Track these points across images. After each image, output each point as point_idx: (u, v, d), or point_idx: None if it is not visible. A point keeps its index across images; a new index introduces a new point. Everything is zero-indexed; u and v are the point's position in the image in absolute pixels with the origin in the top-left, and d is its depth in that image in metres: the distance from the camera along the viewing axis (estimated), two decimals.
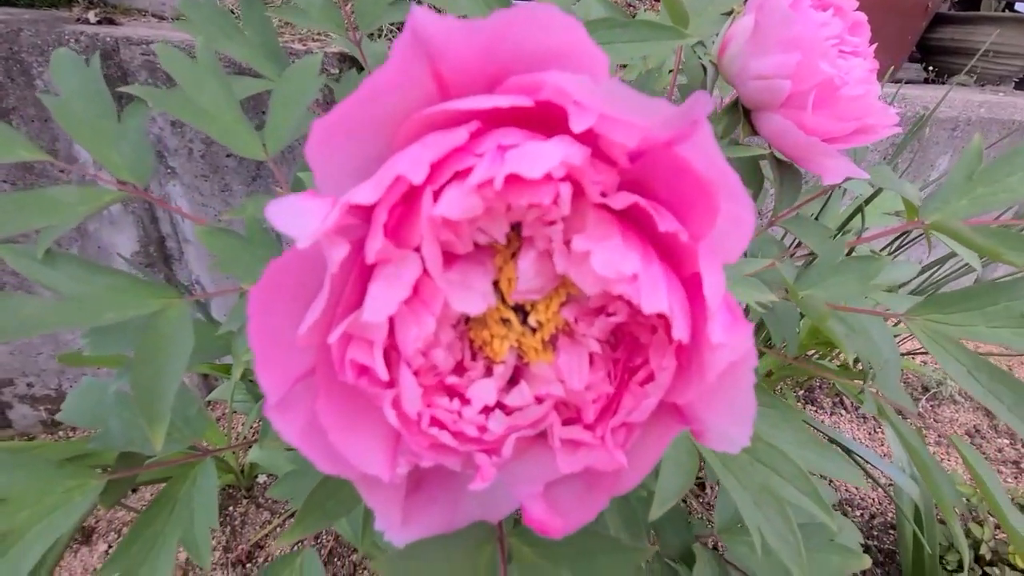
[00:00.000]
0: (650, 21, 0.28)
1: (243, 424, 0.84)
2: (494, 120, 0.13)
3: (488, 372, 0.16)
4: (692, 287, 0.15)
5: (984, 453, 0.91)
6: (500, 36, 0.13)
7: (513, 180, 0.12)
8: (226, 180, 0.77)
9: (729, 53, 0.33)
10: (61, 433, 0.87)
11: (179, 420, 0.34)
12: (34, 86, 0.66)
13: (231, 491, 0.78)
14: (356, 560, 0.72)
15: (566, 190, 0.13)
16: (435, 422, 0.15)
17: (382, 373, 0.14)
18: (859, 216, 0.55)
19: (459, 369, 0.16)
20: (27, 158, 0.29)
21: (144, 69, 0.69)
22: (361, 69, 0.55)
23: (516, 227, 0.15)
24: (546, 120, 0.13)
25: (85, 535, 0.68)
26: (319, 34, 0.87)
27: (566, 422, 0.16)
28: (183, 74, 0.33)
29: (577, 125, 0.12)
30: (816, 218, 0.56)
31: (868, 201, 0.47)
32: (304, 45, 0.80)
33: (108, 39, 0.68)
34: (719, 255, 0.15)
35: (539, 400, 0.16)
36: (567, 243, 0.14)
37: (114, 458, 0.32)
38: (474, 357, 0.16)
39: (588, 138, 0.13)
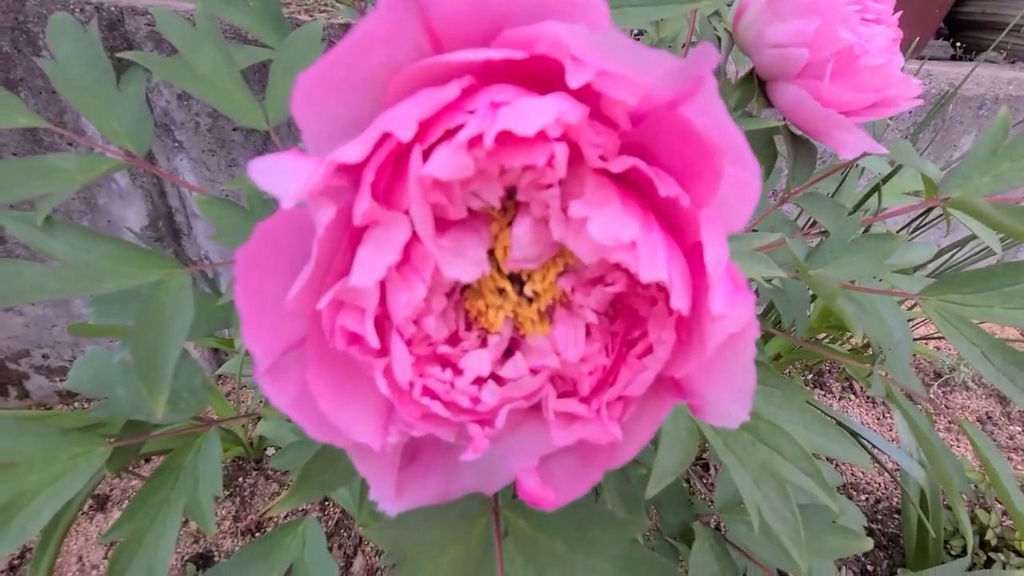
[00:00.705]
0: None
1: (251, 398, 0.85)
2: (488, 75, 0.12)
3: (483, 343, 0.16)
4: (694, 256, 0.14)
5: (995, 440, 0.90)
6: None
7: (505, 138, 0.11)
8: (232, 155, 0.76)
9: (745, 20, 0.32)
10: (77, 404, 0.89)
11: (184, 391, 0.34)
12: (41, 57, 0.66)
13: (241, 463, 0.80)
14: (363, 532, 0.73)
15: (562, 151, 0.12)
16: (427, 392, 0.15)
17: (373, 341, 0.13)
18: (876, 195, 0.54)
19: (453, 339, 0.16)
20: (26, 124, 0.28)
21: (149, 40, 0.68)
22: None
23: (512, 193, 0.14)
24: (543, 76, 0.13)
25: (100, 503, 0.69)
26: (325, 5, 0.85)
27: (562, 395, 0.16)
28: (183, 41, 0.33)
29: (574, 80, 0.11)
30: (832, 196, 0.55)
31: (886, 180, 0.46)
32: (310, 16, 0.79)
33: (113, 8, 0.67)
34: (723, 223, 0.14)
35: (534, 372, 0.15)
36: (564, 209, 0.14)
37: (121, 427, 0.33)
38: (469, 327, 0.16)
39: (586, 96, 0.12)
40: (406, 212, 0.12)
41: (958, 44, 1.33)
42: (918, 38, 1.26)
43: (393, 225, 0.12)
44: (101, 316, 0.33)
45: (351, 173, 0.12)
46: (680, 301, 0.13)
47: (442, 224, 0.14)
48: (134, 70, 0.31)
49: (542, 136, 0.12)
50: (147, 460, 0.77)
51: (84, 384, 0.33)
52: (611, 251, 0.13)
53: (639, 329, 0.16)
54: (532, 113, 0.11)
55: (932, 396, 0.97)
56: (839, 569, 0.67)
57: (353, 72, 0.13)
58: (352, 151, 0.11)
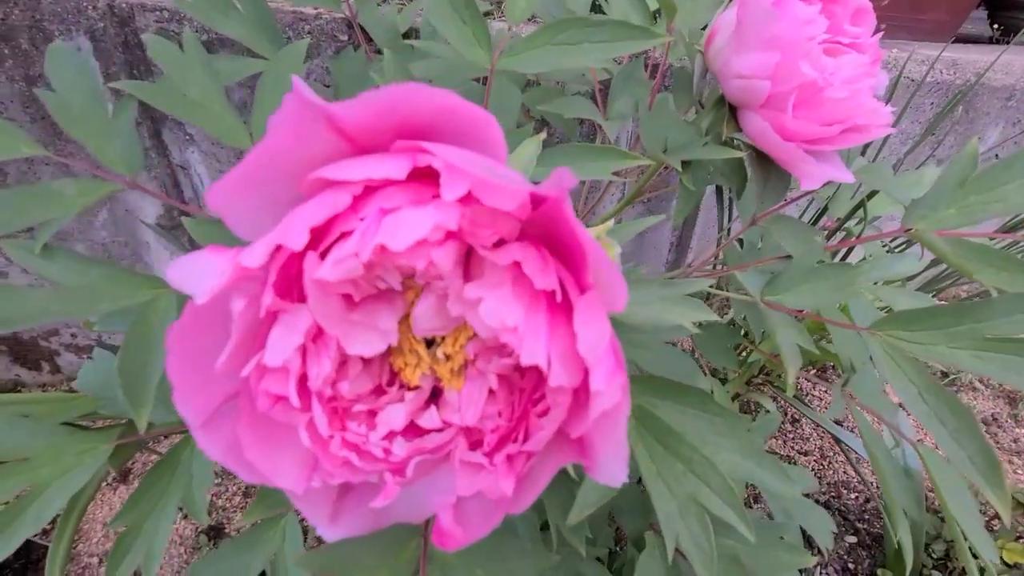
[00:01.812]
0: (622, 21, 0.27)
1: None
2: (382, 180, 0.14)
3: (402, 397, 0.17)
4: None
5: (999, 443, 0.89)
6: (386, 107, 0.13)
7: (383, 249, 0.12)
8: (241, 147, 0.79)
9: (714, 46, 0.32)
10: None
11: None
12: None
13: None
14: None
15: (441, 254, 0.13)
16: (346, 444, 0.16)
17: (295, 401, 0.15)
18: (874, 203, 0.53)
19: (378, 391, 0.18)
20: (28, 154, 0.31)
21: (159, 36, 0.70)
22: (369, 41, 0.55)
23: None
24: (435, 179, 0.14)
25: (123, 475, 0.75)
26: None
27: (472, 445, 0.17)
28: (173, 65, 0.34)
29: (448, 195, 0.13)
30: (825, 208, 0.55)
31: (871, 196, 0.45)
32: (315, 9, 0.79)
33: (124, 5, 0.69)
34: (605, 304, 0.15)
35: (447, 424, 0.17)
36: (462, 288, 0.15)
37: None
38: (391, 381, 0.18)
39: (471, 198, 0.14)
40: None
41: (995, 26, 1.26)
42: (956, 22, 1.20)
43: (298, 312, 0.14)
44: (104, 325, 0.36)
45: (261, 269, 0.14)
46: (559, 379, 0.15)
47: (354, 301, 0.15)
48: (126, 99, 0.33)
49: (421, 243, 0.13)
50: (166, 436, 0.82)
51: (90, 386, 0.36)
52: (499, 332, 0.15)
53: (541, 389, 0.17)
54: (407, 228, 0.12)
55: None
56: (822, 566, 0.69)
57: (269, 172, 0.14)
58: (252, 257, 0.13)
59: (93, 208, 0.77)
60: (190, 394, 0.15)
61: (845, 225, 0.56)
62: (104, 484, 0.75)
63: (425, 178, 0.14)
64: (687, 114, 0.37)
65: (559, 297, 0.14)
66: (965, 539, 0.33)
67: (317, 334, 0.15)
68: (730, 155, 0.32)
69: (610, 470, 0.16)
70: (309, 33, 0.69)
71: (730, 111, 0.34)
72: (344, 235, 0.13)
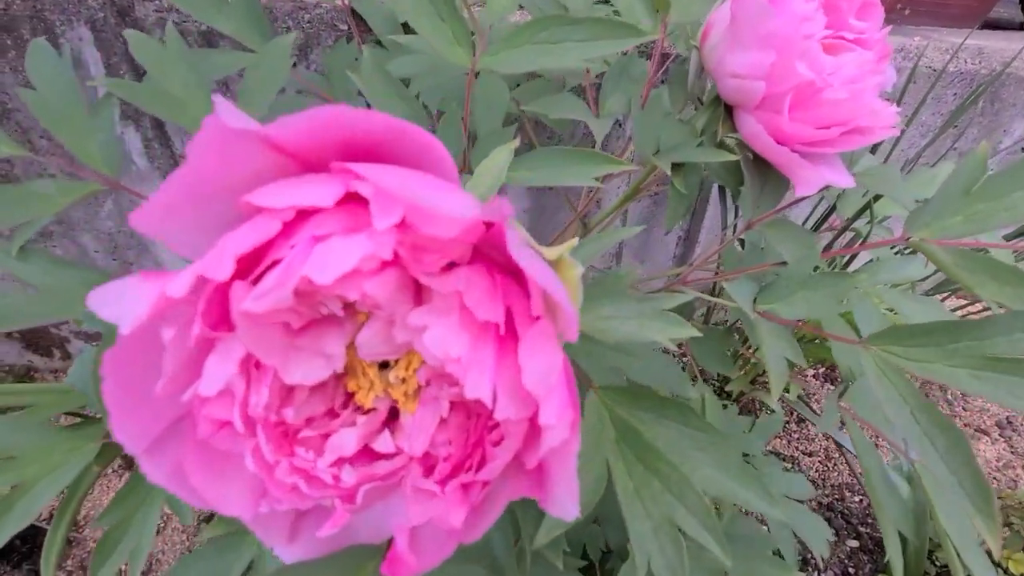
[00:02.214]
0: (604, 18, 0.26)
1: None
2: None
3: (354, 422, 0.17)
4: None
5: (1012, 447, 0.86)
6: (319, 129, 0.12)
7: (310, 282, 0.12)
8: None
9: (709, 42, 0.30)
10: None
11: None
12: (59, 44, 0.68)
13: None
14: None
15: (375, 285, 0.13)
16: (294, 470, 0.16)
17: (239, 427, 0.15)
18: (885, 202, 0.51)
19: (331, 413, 0.17)
20: (9, 154, 0.31)
21: (158, 27, 0.69)
22: (369, 30, 0.54)
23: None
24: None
25: (128, 462, 0.76)
26: None
27: (427, 472, 0.17)
28: (155, 63, 0.34)
29: (380, 224, 0.12)
30: (834, 206, 0.53)
31: (876, 198, 0.43)
32: None
33: None
34: (559, 332, 0.14)
35: (399, 451, 0.17)
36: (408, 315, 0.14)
37: None
38: (346, 404, 0.17)
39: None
40: None
41: None
42: (985, 7, 1.15)
43: (231, 341, 0.13)
44: (91, 324, 0.36)
45: (189, 296, 0.13)
46: (505, 413, 0.14)
47: (294, 328, 0.15)
48: (106, 98, 0.32)
49: (352, 274, 0.12)
50: None
51: (78, 383, 0.37)
52: (444, 362, 0.14)
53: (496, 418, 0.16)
54: (336, 258, 0.12)
55: (950, 398, 0.93)
56: (823, 570, 0.68)
57: (199, 194, 0.13)
58: (176, 287, 0.12)
59: (78, 205, 0.78)
60: (128, 420, 0.15)
61: (853, 225, 0.55)
62: (111, 471, 0.76)
63: (364, 201, 0.13)
64: (683, 112, 0.35)
65: (502, 330, 0.13)
66: (959, 558, 0.31)
67: (254, 362, 0.14)
68: (723, 159, 0.30)
69: (563, 504, 0.15)
70: (309, 23, 0.68)
71: (726, 110, 0.32)
72: (275, 263, 0.13)
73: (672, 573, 0.22)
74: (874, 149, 0.67)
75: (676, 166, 0.32)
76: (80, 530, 0.69)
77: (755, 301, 0.32)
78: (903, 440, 0.25)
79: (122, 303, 0.13)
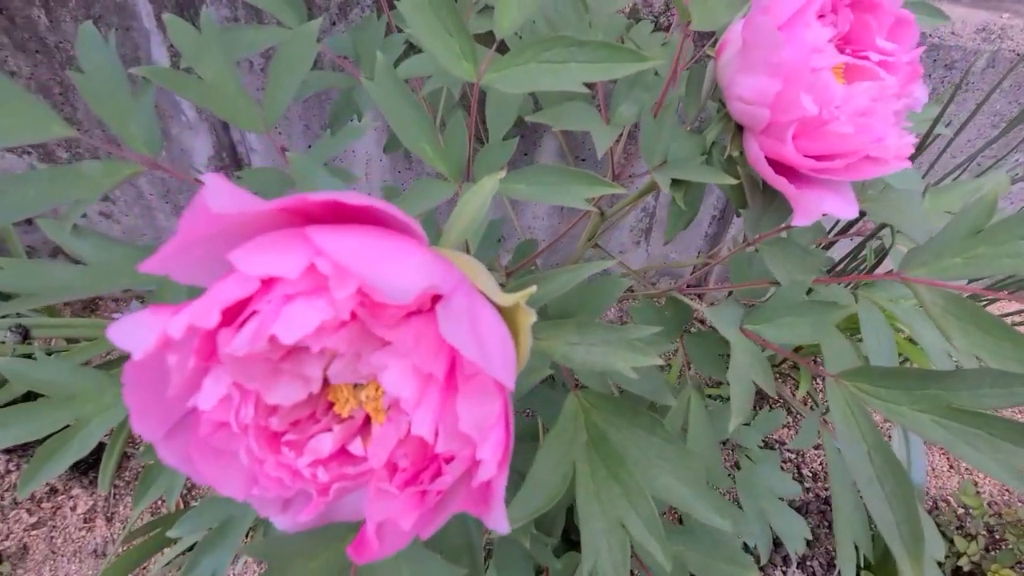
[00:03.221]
0: (608, 43, 0.26)
1: None
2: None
3: (331, 428, 0.20)
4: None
5: None
6: (298, 208, 0.14)
7: (275, 339, 0.14)
8: None
9: (724, 58, 0.30)
10: None
11: None
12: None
13: None
14: None
15: (336, 340, 0.15)
16: (280, 465, 0.19)
17: (235, 429, 0.18)
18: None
19: (312, 419, 0.20)
20: (60, 135, 0.34)
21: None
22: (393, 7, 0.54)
23: None
24: None
25: None
26: None
27: (391, 476, 0.20)
28: (190, 48, 0.36)
29: (338, 294, 0.14)
30: (862, 213, 0.51)
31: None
32: None
33: None
34: (501, 375, 0.16)
35: (367, 457, 0.19)
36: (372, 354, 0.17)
37: None
38: (327, 411, 0.20)
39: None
40: None
41: None
42: None
43: (221, 370, 0.16)
44: (143, 284, 0.40)
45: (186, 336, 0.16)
46: (445, 448, 0.16)
47: (280, 356, 0.17)
48: (145, 83, 0.35)
49: (316, 332, 0.14)
50: None
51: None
52: (399, 399, 0.16)
53: None
54: (297, 321, 0.14)
55: None
56: (809, 559, 0.70)
57: (196, 249, 0.16)
58: (174, 329, 0.15)
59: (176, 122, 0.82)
60: (144, 418, 0.18)
61: (881, 234, 0.53)
62: None
63: None
64: (695, 123, 0.35)
65: (441, 384, 0.16)
66: None
67: (236, 387, 0.17)
68: (723, 181, 0.30)
69: (496, 521, 0.18)
70: None
71: (737, 127, 0.32)
72: (254, 313, 0.15)
73: (616, 572, 0.25)
74: (927, 137, 0.64)
75: (678, 180, 0.32)
76: (137, 445, 0.79)
77: (743, 320, 0.33)
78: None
79: (135, 335, 0.15)
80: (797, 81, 0.26)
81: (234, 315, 0.15)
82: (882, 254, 0.45)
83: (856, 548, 0.32)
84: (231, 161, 0.90)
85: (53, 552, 0.69)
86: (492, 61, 0.27)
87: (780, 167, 0.30)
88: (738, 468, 0.59)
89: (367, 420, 0.20)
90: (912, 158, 0.57)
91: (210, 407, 0.16)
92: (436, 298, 0.16)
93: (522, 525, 0.30)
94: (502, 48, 0.27)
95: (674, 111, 0.33)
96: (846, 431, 0.27)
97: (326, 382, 0.19)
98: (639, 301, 0.39)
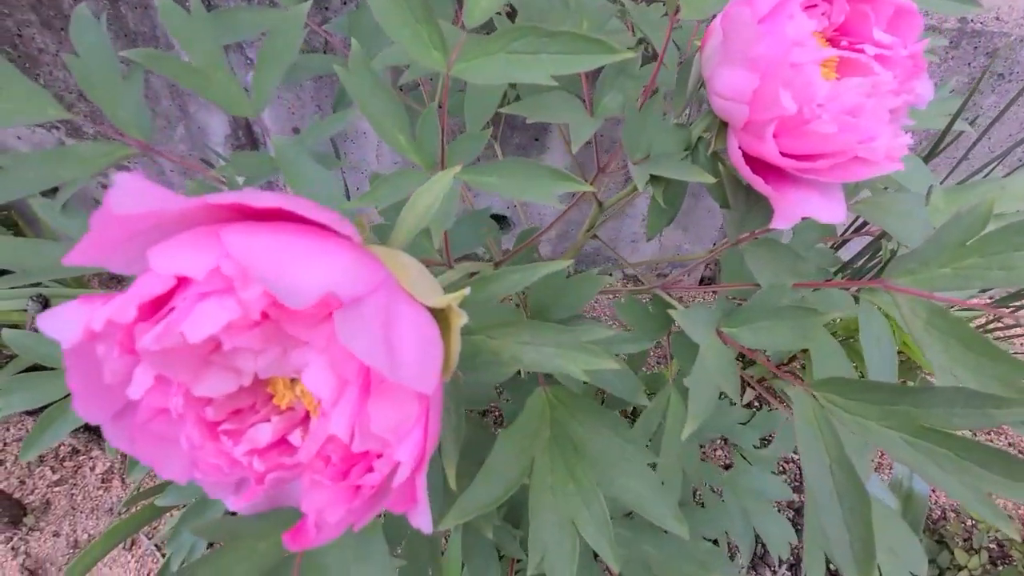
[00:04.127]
0: (580, 33, 0.25)
1: None
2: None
3: (268, 418, 0.20)
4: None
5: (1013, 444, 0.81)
6: (225, 206, 0.14)
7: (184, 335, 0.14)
8: None
9: (707, 50, 0.29)
10: None
11: None
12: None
13: None
14: None
15: (249, 339, 0.15)
16: (218, 453, 0.20)
17: (175, 414, 0.19)
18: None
19: (252, 409, 0.20)
20: (55, 117, 0.35)
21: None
22: None
23: None
24: None
25: None
26: None
27: (322, 470, 0.20)
28: (181, 32, 0.36)
29: (244, 296, 0.14)
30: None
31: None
32: None
33: None
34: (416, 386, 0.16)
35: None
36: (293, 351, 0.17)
37: None
38: (266, 402, 0.21)
39: None
40: None
41: None
42: None
43: (146, 362, 0.16)
44: None
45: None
46: (362, 447, 0.16)
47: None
48: (135, 68, 0.35)
49: (226, 328, 0.15)
50: None
51: None
52: (319, 398, 0.16)
53: None
54: (205, 320, 0.14)
55: None
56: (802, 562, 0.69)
57: (117, 242, 0.16)
58: (96, 322, 0.15)
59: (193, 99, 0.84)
60: (88, 402, 0.18)
61: None
62: None
63: None
64: (682, 115, 0.34)
65: (358, 385, 0.16)
66: None
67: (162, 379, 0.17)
68: (701, 179, 0.29)
69: (419, 520, 0.18)
70: None
71: (722, 122, 0.31)
72: (171, 310, 0.15)
73: (563, 566, 0.25)
74: (947, 132, 0.60)
75: (658, 176, 0.31)
76: None
77: (719, 322, 0.32)
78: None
79: (65, 325, 0.16)
80: (776, 77, 0.25)
81: (156, 309, 0.16)
82: (894, 252, 0.43)
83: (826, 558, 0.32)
84: (247, 139, 0.91)
85: (73, 508, 0.74)
86: (462, 50, 0.27)
87: (763, 165, 0.28)
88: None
89: (308, 412, 0.21)
90: (930, 154, 0.54)
91: (139, 396, 0.17)
92: (355, 300, 0.16)
93: (485, 515, 0.31)
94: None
95: (660, 103, 0.32)
96: (810, 443, 0.26)
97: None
98: (624, 298, 0.39)
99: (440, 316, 0.19)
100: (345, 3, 0.71)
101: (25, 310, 0.63)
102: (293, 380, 0.19)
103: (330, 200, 0.34)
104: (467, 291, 0.18)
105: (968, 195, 0.45)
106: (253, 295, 0.14)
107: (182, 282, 0.15)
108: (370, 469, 0.19)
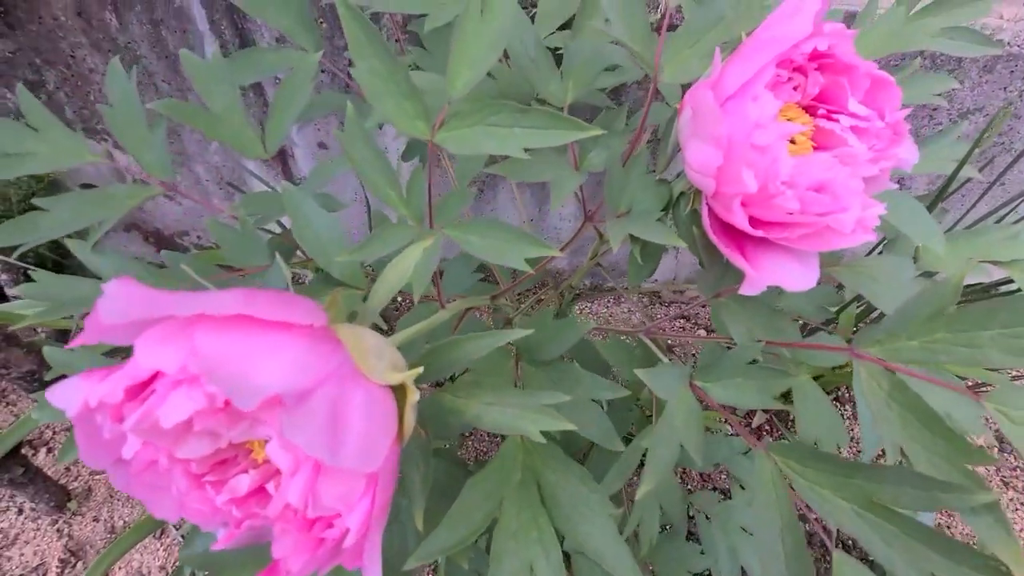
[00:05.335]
0: (550, 111, 0.27)
1: None
2: None
3: (248, 469, 0.23)
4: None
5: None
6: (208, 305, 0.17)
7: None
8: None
9: (682, 118, 0.29)
10: None
11: None
12: (172, 1, 0.77)
13: None
14: None
15: (215, 421, 0.17)
16: (202, 500, 0.22)
17: (164, 467, 0.21)
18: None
19: (232, 462, 0.23)
20: (92, 160, 0.38)
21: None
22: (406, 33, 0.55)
23: None
24: None
25: None
26: None
27: (290, 522, 0.22)
28: (201, 79, 0.39)
29: (209, 388, 0.16)
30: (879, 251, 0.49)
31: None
32: None
33: None
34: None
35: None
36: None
37: None
38: (248, 455, 0.23)
39: None
40: None
41: None
42: None
43: None
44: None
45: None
46: (315, 514, 0.19)
47: None
48: (159, 117, 0.38)
49: (194, 415, 0.17)
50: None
51: None
52: (279, 467, 0.19)
53: None
54: (174, 409, 0.16)
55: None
56: None
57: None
58: (92, 398, 0.18)
59: (192, 141, 0.89)
60: (92, 455, 0.21)
61: None
62: None
63: None
64: (666, 170, 0.35)
65: (308, 464, 0.18)
66: None
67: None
68: (676, 243, 0.30)
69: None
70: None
71: None
72: (152, 393, 0.18)
73: None
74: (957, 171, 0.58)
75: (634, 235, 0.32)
76: None
77: (692, 375, 0.33)
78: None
79: (69, 397, 0.19)
80: (739, 157, 0.25)
81: (140, 390, 0.18)
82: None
83: None
84: (276, 155, 0.96)
85: (111, 496, 0.80)
86: (445, 120, 0.29)
87: (736, 230, 0.29)
88: (728, 497, 0.59)
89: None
90: (935, 200, 0.53)
91: (131, 456, 0.19)
92: (302, 394, 0.18)
93: (462, 550, 0.32)
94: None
95: (644, 160, 0.33)
96: (764, 504, 0.27)
97: None
98: (610, 338, 0.40)
99: (397, 390, 0.21)
100: None
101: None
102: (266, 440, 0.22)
103: (331, 243, 0.36)
104: (420, 370, 0.20)
105: (975, 243, 0.44)
106: (216, 389, 0.16)
107: (160, 371, 0.18)
108: (330, 525, 0.21)
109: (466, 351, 0.24)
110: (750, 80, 0.25)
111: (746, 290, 0.29)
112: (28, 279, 0.37)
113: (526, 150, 0.28)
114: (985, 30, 0.68)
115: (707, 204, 0.29)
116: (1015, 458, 0.84)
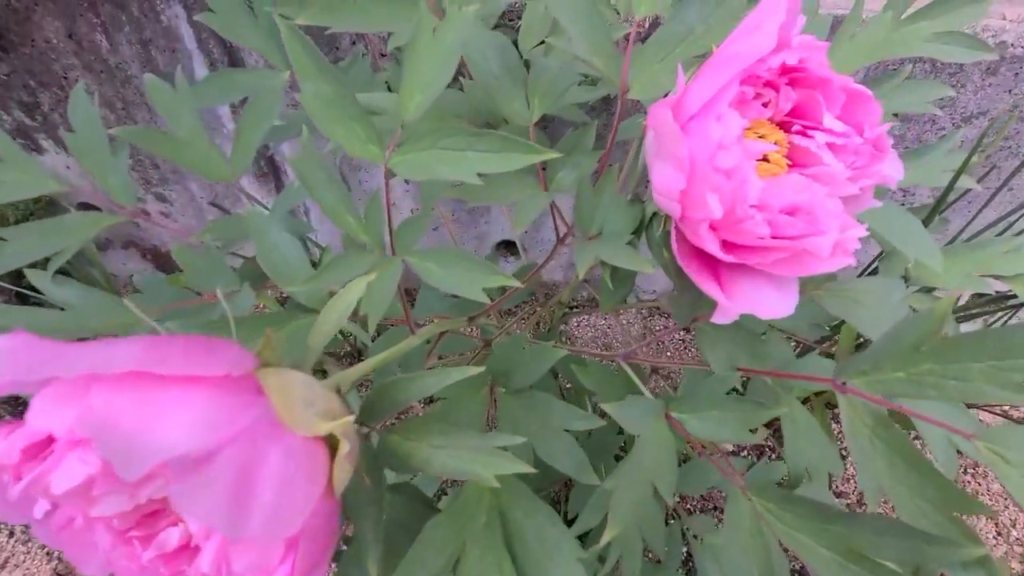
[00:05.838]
0: (505, 136, 0.25)
1: None
2: None
3: (177, 522, 0.21)
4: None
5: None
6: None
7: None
8: None
9: (647, 138, 0.28)
10: None
11: None
12: (160, 19, 0.77)
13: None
14: None
15: (112, 484, 0.16)
16: (129, 556, 0.21)
17: (80, 525, 0.20)
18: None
19: (156, 516, 0.22)
20: (55, 190, 0.38)
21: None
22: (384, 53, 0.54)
23: None
24: None
25: None
26: None
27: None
28: (166, 106, 0.38)
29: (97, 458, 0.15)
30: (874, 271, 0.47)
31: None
32: None
33: None
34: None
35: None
36: None
37: None
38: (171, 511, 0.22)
39: None
40: None
41: None
42: None
43: None
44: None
45: None
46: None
47: None
48: (121, 143, 0.38)
49: (91, 479, 0.16)
50: None
51: None
52: (191, 532, 0.17)
53: None
54: (67, 475, 0.15)
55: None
56: None
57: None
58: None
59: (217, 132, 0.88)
60: (6, 512, 0.20)
61: None
62: None
63: None
64: (637, 189, 0.33)
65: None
66: None
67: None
68: (646, 269, 0.29)
69: None
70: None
71: None
72: (49, 454, 0.16)
73: None
74: (952, 185, 0.56)
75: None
76: None
77: (667, 406, 0.31)
78: None
79: None
80: (703, 180, 0.24)
81: (40, 450, 0.17)
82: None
83: None
84: (269, 169, 0.95)
85: None
86: (399, 144, 0.27)
87: (709, 254, 0.28)
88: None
89: None
90: (934, 211, 0.50)
91: (42, 516, 0.18)
92: (202, 458, 0.16)
93: None
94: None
95: (614, 180, 0.32)
96: (740, 550, 0.25)
97: None
98: (589, 364, 0.38)
99: (328, 439, 0.20)
100: (353, 43, 0.74)
101: None
102: None
103: (295, 268, 0.35)
104: (350, 419, 0.19)
105: (974, 257, 0.42)
106: (101, 455, 0.15)
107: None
108: None
109: (412, 391, 0.22)
110: (712, 99, 0.24)
111: (718, 319, 0.27)
112: (22, 301, 0.36)
113: (484, 175, 0.27)
114: (987, 32, 0.65)
115: (676, 228, 0.27)
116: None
